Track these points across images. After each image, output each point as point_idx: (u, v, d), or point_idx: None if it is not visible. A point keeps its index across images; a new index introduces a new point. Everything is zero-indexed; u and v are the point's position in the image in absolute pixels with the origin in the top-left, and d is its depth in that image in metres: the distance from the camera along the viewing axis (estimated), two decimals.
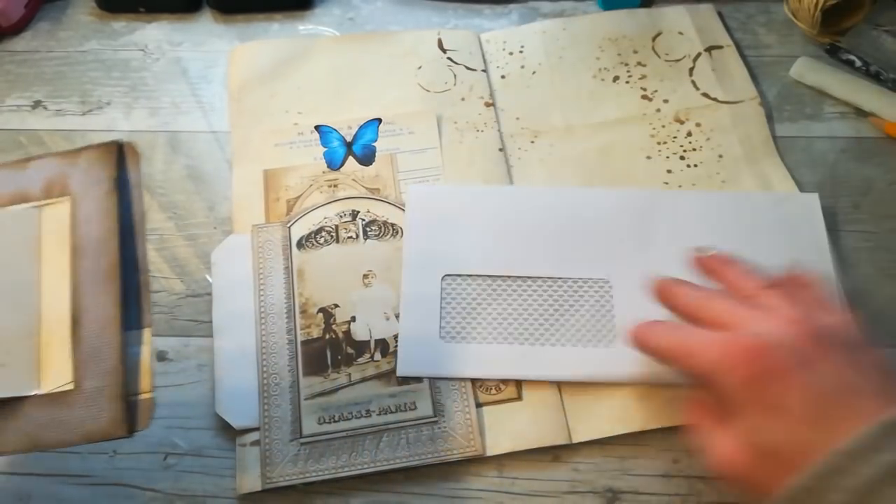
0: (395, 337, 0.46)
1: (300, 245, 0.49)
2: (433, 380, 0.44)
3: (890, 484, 0.26)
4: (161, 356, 0.46)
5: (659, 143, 0.55)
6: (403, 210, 0.50)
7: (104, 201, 0.29)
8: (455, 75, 0.58)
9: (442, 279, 0.47)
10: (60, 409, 0.27)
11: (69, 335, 0.28)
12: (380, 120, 0.55)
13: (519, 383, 0.44)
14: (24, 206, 0.28)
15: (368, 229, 0.50)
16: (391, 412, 0.43)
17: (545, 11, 0.63)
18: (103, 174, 0.29)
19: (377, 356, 0.45)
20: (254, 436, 0.43)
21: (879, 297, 0.48)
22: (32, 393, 0.27)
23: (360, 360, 0.45)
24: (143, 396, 0.28)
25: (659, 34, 0.61)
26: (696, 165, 0.53)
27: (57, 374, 0.27)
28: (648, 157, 0.54)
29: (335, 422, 0.43)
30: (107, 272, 0.28)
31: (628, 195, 0.51)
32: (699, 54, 0.59)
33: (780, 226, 0.49)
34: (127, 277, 0.28)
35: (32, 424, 0.27)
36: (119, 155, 0.30)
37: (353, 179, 0.52)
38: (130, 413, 0.28)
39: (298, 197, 0.51)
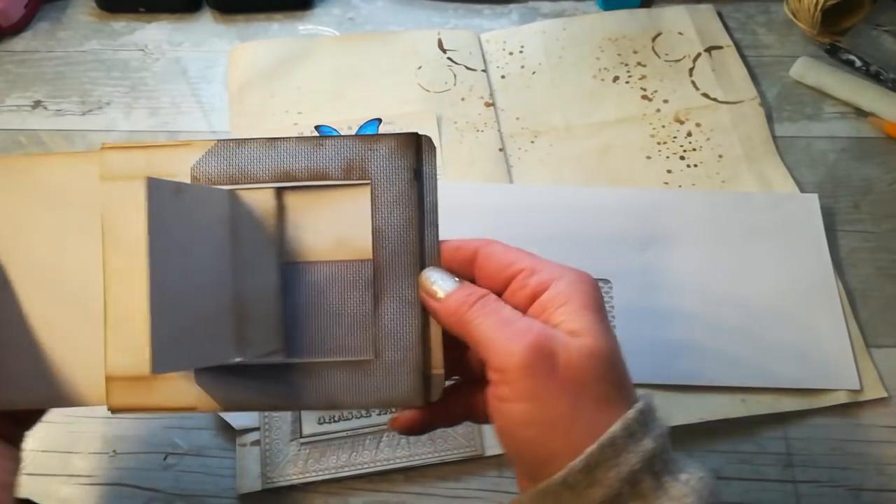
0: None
1: None
2: None
3: (646, 472, 0.26)
4: None
5: (659, 143, 0.55)
6: None
7: (406, 191, 0.31)
8: (455, 75, 0.58)
9: None
10: (360, 377, 0.31)
11: (278, 310, 0.31)
12: (380, 120, 0.55)
13: None
14: (223, 187, 0.31)
15: None
16: (391, 412, 0.43)
17: (545, 11, 0.63)
18: (404, 163, 0.30)
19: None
20: (254, 436, 0.43)
21: (879, 297, 0.48)
22: (236, 361, 0.31)
23: None
24: (436, 372, 0.31)
25: (659, 34, 0.61)
26: (696, 165, 0.53)
27: (260, 346, 0.31)
28: (648, 157, 0.54)
29: (335, 422, 0.43)
30: (408, 259, 0.31)
31: (628, 195, 0.51)
32: (699, 54, 0.59)
33: (780, 226, 0.49)
34: (422, 265, 0.31)
35: (333, 387, 0.31)
36: (417, 147, 0.31)
37: None
38: (426, 385, 0.30)
39: None
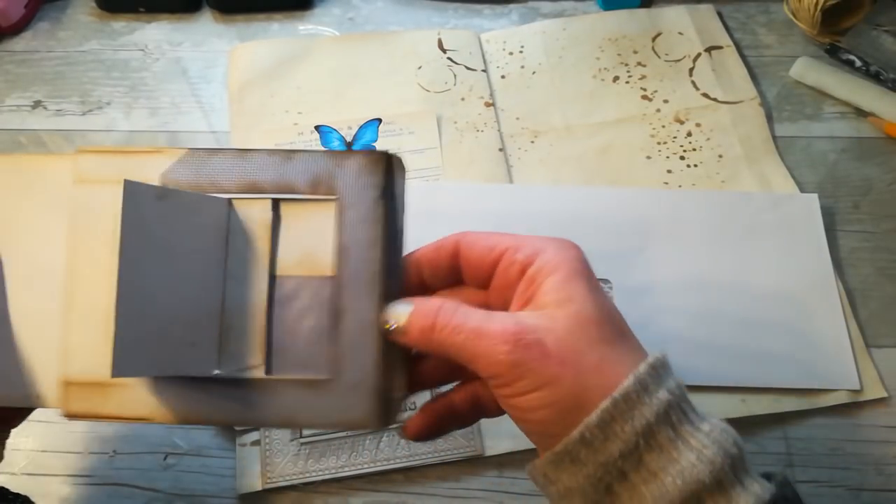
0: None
1: None
2: None
3: (663, 423, 0.26)
4: None
5: (659, 143, 0.55)
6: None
7: (373, 209, 0.31)
8: (455, 75, 0.58)
9: None
10: (317, 396, 0.30)
11: (263, 326, 0.31)
12: (380, 120, 0.55)
13: None
14: (221, 195, 0.31)
15: None
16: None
17: (545, 11, 0.63)
18: (372, 181, 0.30)
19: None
20: (254, 436, 0.43)
21: (879, 297, 0.48)
22: (214, 373, 0.30)
23: None
24: (396, 395, 0.30)
25: (659, 34, 0.61)
26: (696, 165, 0.53)
27: (242, 359, 0.31)
28: (648, 157, 0.54)
29: None
30: (370, 277, 0.30)
31: (628, 195, 0.51)
32: (699, 54, 0.59)
33: (780, 226, 0.49)
34: (388, 285, 0.30)
35: (291, 405, 0.30)
36: (387, 165, 0.31)
37: None
38: (384, 408, 0.30)
39: None
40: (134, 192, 0.27)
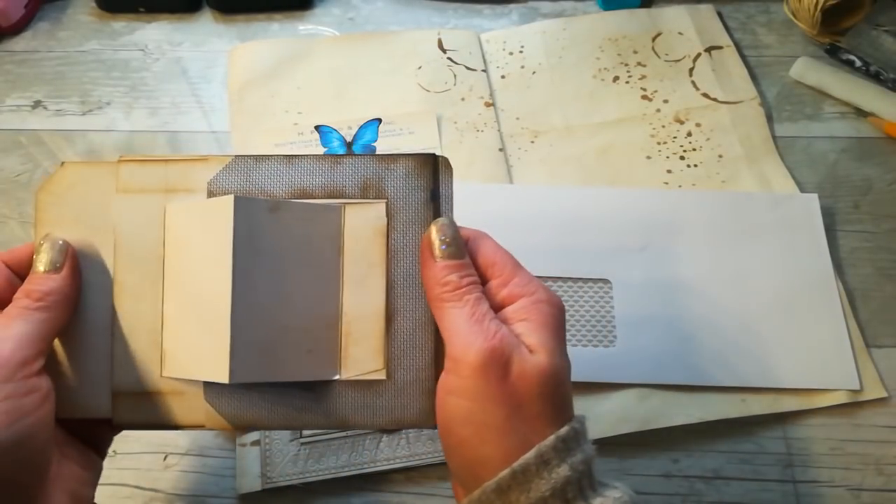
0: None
1: None
2: None
3: (558, 499, 0.26)
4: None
5: (659, 143, 0.55)
6: None
7: (422, 211, 0.31)
8: (455, 75, 0.58)
9: None
10: (374, 396, 0.31)
11: (383, 330, 0.31)
12: (380, 120, 0.55)
13: None
14: (333, 201, 0.31)
15: None
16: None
17: (545, 11, 0.63)
18: (420, 183, 0.31)
19: None
20: (254, 436, 0.43)
21: (879, 297, 0.48)
22: (335, 378, 0.31)
23: None
24: None
25: (659, 34, 0.61)
26: (696, 165, 0.53)
27: (363, 364, 0.32)
28: (648, 157, 0.54)
29: None
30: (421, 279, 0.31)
31: (628, 195, 0.51)
32: (699, 54, 0.59)
33: (780, 226, 0.49)
34: None
35: (344, 407, 0.31)
36: (434, 167, 0.31)
37: None
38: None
39: None
40: (244, 208, 0.28)
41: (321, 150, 0.53)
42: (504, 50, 0.60)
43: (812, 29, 0.59)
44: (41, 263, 0.30)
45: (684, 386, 0.44)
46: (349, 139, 0.54)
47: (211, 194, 0.31)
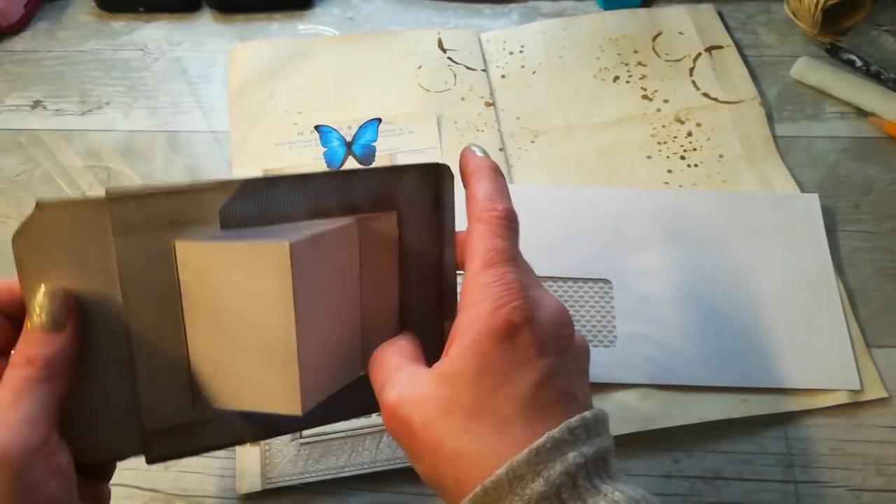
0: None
1: None
2: None
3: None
4: None
5: (659, 143, 0.55)
6: None
7: (429, 218, 0.33)
8: (455, 75, 0.58)
9: None
10: None
11: (396, 328, 0.33)
12: (380, 120, 0.55)
13: None
14: (350, 219, 0.31)
15: None
16: None
17: (545, 11, 0.63)
18: (427, 192, 0.31)
19: None
20: None
21: (880, 297, 0.48)
22: (361, 373, 0.32)
23: None
24: None
25: (659, 34, 0.61)
26: (696, 165, 0.53)
27: None
28: (649, 157, 0.54)
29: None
30: (430, 277, 0.33)
31: (628, 195, 0.51)
32: (699, 54, 0.59)
33: (780, 226, 0.49)
34: (442, 285, 0.33)
35: (367, 395, 0.31)
36: (437, 176, 0.32)
37: None
38: None
39: None
40: (298, 254, 0.27)
41: (321, 150, 0.53)
42: (504, 50, 0.60)
43: (812, 29, 0.59)
44: (41, 320, 0.26)
45: (684, 386, 0.44)
46: (349, 139, 0.54)
47: (225, 223, 0.29)
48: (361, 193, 0.31)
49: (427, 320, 0.33)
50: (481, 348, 0.27)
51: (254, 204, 0.30)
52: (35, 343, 0.26)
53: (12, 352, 0.27)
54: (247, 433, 0.32)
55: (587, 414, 0.27)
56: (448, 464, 0.26)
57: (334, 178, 0.31)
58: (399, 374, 0.29)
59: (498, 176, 0.32)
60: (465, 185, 0.32)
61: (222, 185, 0.29)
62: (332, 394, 0.31)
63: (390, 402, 0.28)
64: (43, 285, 0.27)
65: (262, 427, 0.32)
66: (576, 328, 0.29)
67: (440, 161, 0.33)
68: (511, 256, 0.29)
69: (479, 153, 0.33)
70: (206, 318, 0.29)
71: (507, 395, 0.26)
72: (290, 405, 0.28)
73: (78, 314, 0.27)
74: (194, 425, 0.31)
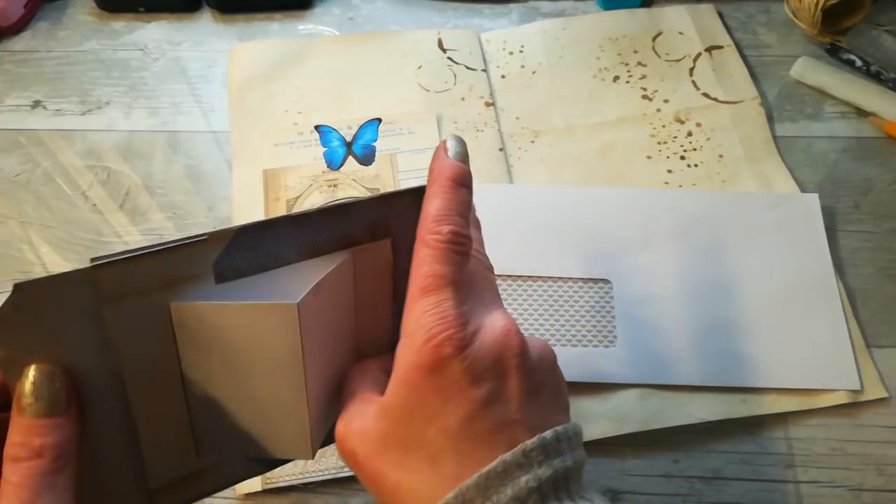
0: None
1: None
2: None
3: None
4: None
5: (659, 143, 0.55)
6: None
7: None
8: (455, 75, 0.58)
9: None
10: None
11: (391, 347, 0.31)
12: (380, 120, 0.54)
13: None
14: (345, 254, 0.31)
15: None
16: None
17: (545, 11, 0.63)
18: (414, 216, 0.31)
19: None
20: None
21: (880, 297, 0.48)
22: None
23: None
24: None
25: (659, 34, 0.61)
26: (696, 165, 0.53)
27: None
28: (649, 157, 0.54)
29: None
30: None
31: (628, 195, 0.51)
32: (699, 54, 0.59)
33: (780, 226, 0.49)
34: None
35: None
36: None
37: (353, 179, 0.52)
38: None
39: (298, 197, 0.51)
40: (305, 309, 0.27)
41: (321, 150, 0.53)
42: (504, 50, 0.60)
43: (812, 29, 0.59)
44: (39, 406, 0.24)
45: (684, 386, 0.44)
46: (349, 139, 0.54)
47: (220, 277, 0.28)
48: (356, 225, 0.30)
49: None
50: (412, 381, 0.26)
51: (249, 252, 0.28)
52: (37, 432, 0.24)
53: (6, 446, 0.24)
54: (251, 470, 0.32)
55: (547, 434, 0.26)
56: (391, 496, 0.26)
57: (329, 214, 0.30)
58: (352, 401, 0.29)
59: (456, 189, 0.30)
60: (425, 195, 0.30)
61: (214, 236, 0.27)
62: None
63: (338, 433, 0.28)
64: (34, 368, 0.25)
65: (264, 463, 0.32)
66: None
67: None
68: (450, 282, 0.27)
69: (451, 152, 0.31)
70: (208, 373, 0.28)
71: (439, 429, 0.26)
72: (301, 452, 0.28)
73: (75, 391, 0.25)
74: (199, 473, 0.31)
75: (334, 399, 0.31)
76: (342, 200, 0.35)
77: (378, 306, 0.32)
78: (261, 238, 0.28)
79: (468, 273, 0.28)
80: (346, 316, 0.31)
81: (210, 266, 0.28)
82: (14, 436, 0.24)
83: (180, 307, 0.27)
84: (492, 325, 0.27)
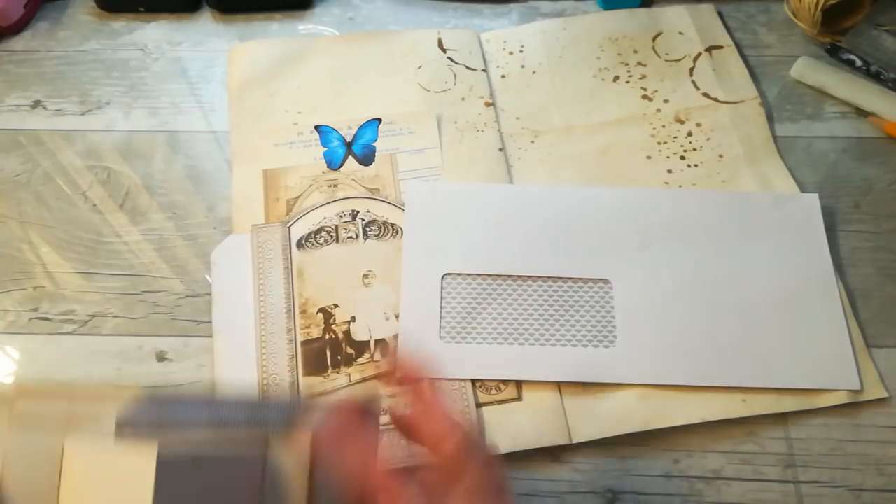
0: (396, 337, 0.46)
1: (300, 245, 0.49)
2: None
3: None
4: (161, 356, 0.46)
5: (659, 143, 0.55)
6: (403, 210, 0.50)
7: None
8: (455, 75, 0.58)
9: (442, 278, 0.47)
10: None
11: None
12: (380, 120, 0.54)
13: (519, 384, 0.44)
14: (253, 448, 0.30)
15: (368, 229, 0.50)
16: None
17: (545, 11, 0.63)
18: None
19: (377, 356, 0.45)
20: None
21: (880, 297, 0.48)
22: None
23: (360, 360, 0.45)
24: None
25: (659, 34, 0.60)
26: (696, 165, 0.53)
27: None
28: (649, 157, 0.54)
29: None
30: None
31: (628, 195, 0.51)
32: (699, 54, 0.59)
33: (780, 226, 0.49)
34: None
35: None
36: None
37: (353, 179, 0.52)
38: None
39: (298, 197, 0.51)
40: (165, 460, 0.28)
41: (321, 150, 0.53)
42: (504, 50, 0.60)
43: (812, 29, 0.59)
44: None
45: (684, 386, 0.44)
46: (349, 139, 0.54)
47: (119, 430, 0.29)
48: (273, 415, 0.30)
49: None
50: None
51: (153, 414, 0.29)
52: None
53: None
54: None
55: None
56: None
57: (246, 405, 0.30)
58: None
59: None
60: None
61: (127, 390, 0.29)
62: None
63: None
64: None
65: None
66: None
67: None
68: None
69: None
70: None
71: None
72: None
73: None
74: None
75: None
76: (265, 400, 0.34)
77: None
78: (171, 406, 0.30)
79: None
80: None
81: (112, 418, 0.29)
82: None
83: (72, 449, 0.29)
84: None
